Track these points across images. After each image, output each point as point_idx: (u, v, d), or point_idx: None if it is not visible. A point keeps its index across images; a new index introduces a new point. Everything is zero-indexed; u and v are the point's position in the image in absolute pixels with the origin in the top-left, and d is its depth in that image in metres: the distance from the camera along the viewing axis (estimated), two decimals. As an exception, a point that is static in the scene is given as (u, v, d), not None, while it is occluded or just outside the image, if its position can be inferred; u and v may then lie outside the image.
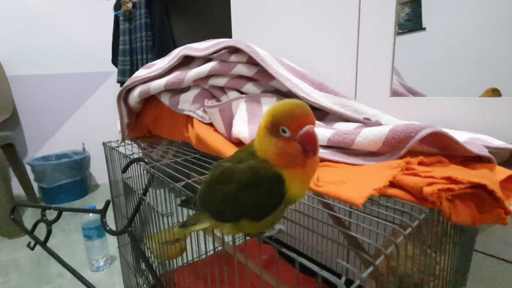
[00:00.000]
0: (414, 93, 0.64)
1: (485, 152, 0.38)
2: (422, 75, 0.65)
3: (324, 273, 0.19)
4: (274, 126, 0.22)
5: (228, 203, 0.24)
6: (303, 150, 0.22)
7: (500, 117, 0.50)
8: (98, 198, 1.85)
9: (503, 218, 0.32)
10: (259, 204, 0.23)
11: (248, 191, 0.23)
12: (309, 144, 0.22)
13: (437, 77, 0.63)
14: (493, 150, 0.42)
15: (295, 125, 0.22)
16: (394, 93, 0.63)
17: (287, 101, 0.23)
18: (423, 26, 0.63)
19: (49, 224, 0.59)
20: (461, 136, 0.45)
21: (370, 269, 0.19)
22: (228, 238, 0.73)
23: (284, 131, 0.22)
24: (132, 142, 0.76)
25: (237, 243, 0.99)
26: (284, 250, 0.23)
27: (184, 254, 0.69)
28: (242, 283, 0.69)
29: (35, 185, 1.78)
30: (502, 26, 0.54)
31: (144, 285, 0.63)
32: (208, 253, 0.78)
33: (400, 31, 0.65)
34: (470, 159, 0.40)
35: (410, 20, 0.64)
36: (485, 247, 0.55)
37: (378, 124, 0.47)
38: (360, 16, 0.64)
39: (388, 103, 0.63)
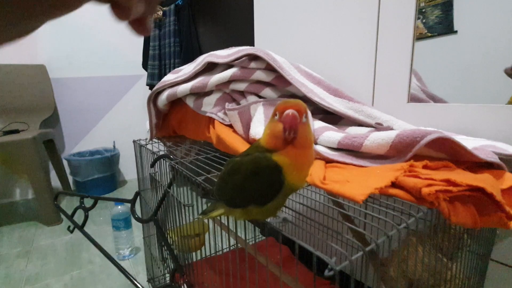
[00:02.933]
0: (436, 99, 0.63)
1: (494, 159, 0.39)
2: (451, 81, 0.64)
3: (318, 253, 0.22)
4: (273, 114, 0.28)
5: (237, 191, 0.29)
6: (283, 130, 0.26)
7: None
8: (125, 193, 1.97)
9: (505, 222, 0.33)
10: (262, 190, 0.27)
11: (252, 179, 0.28)
12: (286, 122, 0.26)
13: (466, 83, 0.61)
14: (508, 158, 0.42)
15: (281, 109, 0.26)
16: (413, 99, 0.63)
17: (288, 100, 0.27)
18: (455, 29, 0.61)
19: (87, 210, 0.66)
20: (474, 143, 0.45)
21: (360, 253, 0.22)
22: (238, 233, 0.77)
23: (275, 115, 0.27)
24: (159, 141, 0.82)
25: (253, 242, 1.02)
26: (285, 233, 0.27)
27: (203, 249, 0.73)
28: (254, 279, 0.72)
29: (70, 179, 1.93)
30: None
31: (166, 272, 0.68)
32: (225, 250, 0.82)
33: (429, 34, 0.64)
34: (480, 166, 0.41)
35: (441, 23, 0.62)
36: (504, 257, 0.54)
37: (389, 129, 0.49)
38: (379, 22, 0.65)
39: (406, 109, 0.63)
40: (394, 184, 0.33)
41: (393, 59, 0.63)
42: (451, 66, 0.64)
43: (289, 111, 0.25)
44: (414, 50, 0.61)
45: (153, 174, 0.60)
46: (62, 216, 1.51)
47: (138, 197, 0.63)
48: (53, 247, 1.29)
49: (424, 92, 0.66)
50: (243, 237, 0.78)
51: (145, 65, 1.91)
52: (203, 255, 0.73)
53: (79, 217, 0.72)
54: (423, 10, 0.65)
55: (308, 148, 0.28)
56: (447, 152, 0.40)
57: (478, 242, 0.50)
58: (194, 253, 0.71)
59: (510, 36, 0.55)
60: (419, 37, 0.62)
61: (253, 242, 1.02)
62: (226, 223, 0.61)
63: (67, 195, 1.87)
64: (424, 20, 0.64)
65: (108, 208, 1.69)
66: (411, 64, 0.62)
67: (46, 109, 1.84)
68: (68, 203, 1.80)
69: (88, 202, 0.70)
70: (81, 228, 0.67)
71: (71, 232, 0.68)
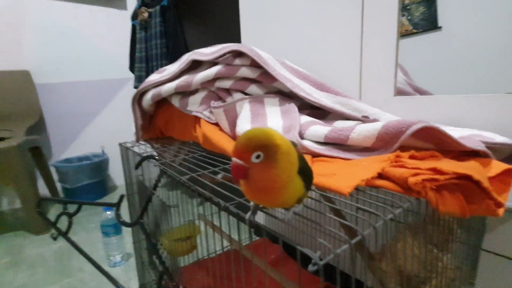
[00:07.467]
0: (423, 92, 0.64)
1: (481, 147, 0.39)
2: (436, 75, 0.65)
3: (302, 249, 0.21)
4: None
5: None
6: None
7: (508, 113, 0.50)
8: (116, 199, 1.92)
9: (493, 210, 0.32)
10: None
11: None
12: (232, 173, 0.25)
13: (451, 76, 0.62)
14: (494, 146, 0.42)
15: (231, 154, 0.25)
16: (399, 93, 0.64)
17: (248, 130, 0.25)
18: (439, 25, 0.63)
19: (70, 216, 0.64)
20: (461, 132, 0.45)
21: (346, 246, 0.21)
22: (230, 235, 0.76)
23: None
24: (147, 143, 0.80)
25: (245, 243, 1.01)
26: (268, 229, 0.25)
27: (195, 253, 0.72)
28: (248, 280, 0.71)
29: (58, 186, 1.88)
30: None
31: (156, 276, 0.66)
32: (217, 252, 0.81)
33: (414, 31, 0.65)
34: (467, 155, 0.41)
35: (425, 20, 0.64)
36: (495, 247, 0.54)
37: (376, 121, 0.48)
38: (363, 20, 0.65)
39: (393, 102, 0.64)
40: (381, 176, 0.33)
41: (378, 54, 0.64)
42: (436, 60, 0.65)
43: (232, 161, 0.24)
44: (399, 46, 0.61)
45: (139, 177, 0.58)
46: (51, 224, 1.47)
47: (125, 201, 0.61)
48: (42, 257, 1.25)
49: (410, 86, 0.66)
50: (235, 238, 0.77)
51: (132, 68, 1.88)
52: (195, 258, 0.72)
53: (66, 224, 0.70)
54: (408, 7, 0.65)
55: (271, 192, 0.25)
56: (433, 142, 0.40)
57: (469, 232, 0.50)
58: (186, 257, 0.69)
59: (491, 31, 0.56)
60: (404, 33, 0.63)
61: (245, 243, 1.00)
62: (218, 225, 0.60)
63: (50, 201, 1.83)
64: (409, 17, 0.65)
65: (98, 214, 1.65)
66: (396, 59, 0.62)
67: (32, 116, 1.79)
68: (57, 210, 1.76)
69: (73, 208, 0.68)
70: (65, 235, 0.65)
71: (55, 239, 0.66)
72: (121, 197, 0.60)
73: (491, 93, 0.51)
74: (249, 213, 0.28)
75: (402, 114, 0.61)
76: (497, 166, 0.37)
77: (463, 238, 0.49)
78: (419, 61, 0.66)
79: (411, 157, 0.36)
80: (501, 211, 0.33)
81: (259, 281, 0.78)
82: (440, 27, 0.63)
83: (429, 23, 0.63)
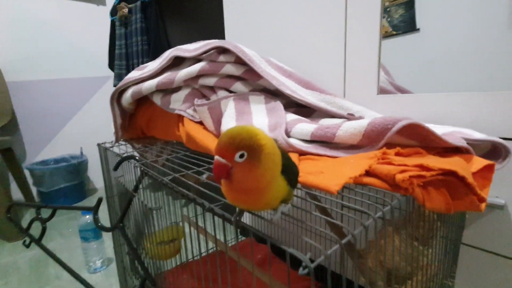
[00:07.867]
0: (404, 91, 0.66)
1: (462, 143, 0.40)
2: (416, 74, 0.67)
3: (292, 250, 0.20)
4: None
5: None
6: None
7: (485, 110, 0.51)
8: (95, 202, 1.86)
9: (477, 205, 0.33)
10: None
11: None
12: (213, 172, 0.23)
13: (430, 76, 0.64)
14: (473, 142, 0.43)
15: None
16: (382, 91, 0.65)
17: (231, 128, 0.24)
18: (417, 27, 0.64)
19: (44, 222, 0.60)
20: (443, 129, 0.46)
21: (336, 246, 0.21)
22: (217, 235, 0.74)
23: None
24: (127, 143, 0.77)
25: (231, 244, 1.00)
26: (254, 230, 0.24)
27: (178, 256, 0.69)
28: (235, 282, 0.69)
29: (34, 189, 1.79)
30: (494, 23, 0.54)
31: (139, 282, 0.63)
32: (202, 255, 0.79)
33: (394, 32, 0.67)
34: (449, 151, 0.41)
35: (404, 22, 0.65)
36: (474, 241, 0.56)
37: (361, 119, 0.48)
38: (346, 20, 0.66)
39: (376, 101, 0.65)
40: (368, 173, 0.32)
41: (361, 54, 0.65)
42: (416, 61, 0.67)
43: (215, 159, 0.23)
44: (382, 47, 0.62)
45: (119, 178, 0.56)
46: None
47: (105, 205, 0.58)
48: (15, 265, 1.18)
49: (392, 85, 0.67)
50: (221, 239, 0.75)
51: (111, 66, 1.81)
52: (179, 262, 0.70)
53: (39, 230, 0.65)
54: (388, 9, 0.67)
55: (254, 193, 0.24)
56: (417, 139, 0.40)
57: (450, 228, 0.51)
58: (169, 260, 0.67)
59: (466, 32, 0.59)
60: (385, 35, 0.64)
61: (231, 243, 0.99)
62: (203, 226, 0.58)
63: (22, 206, 1.73)
64: (389, 19, 0.67)
65: (77, 219, 1.58)
66: (379, 60, 0.63)
67: (3, 115, 1.69)
68: (33, 215, 1.67)
69: (47, 213, 0.64)
70: (38, 241, 0.61)
71: (27, 246, 0.61)
72: (99, 200, 0.57)
73: (467, 91, 0.53)
74: (235, 214, 0.27)
75: (385, 112, 0.62)
76: (478, 162, 0.38)
77: (444, 233, 0.50)
78: (399, 61, 0.68)
79: (397, 154, 0.36)
80: (483, 206, 0.33)
81: (245, 282, 0.77)
82: (418, 29, 0.65)
83: (408, 25, 0.65)
